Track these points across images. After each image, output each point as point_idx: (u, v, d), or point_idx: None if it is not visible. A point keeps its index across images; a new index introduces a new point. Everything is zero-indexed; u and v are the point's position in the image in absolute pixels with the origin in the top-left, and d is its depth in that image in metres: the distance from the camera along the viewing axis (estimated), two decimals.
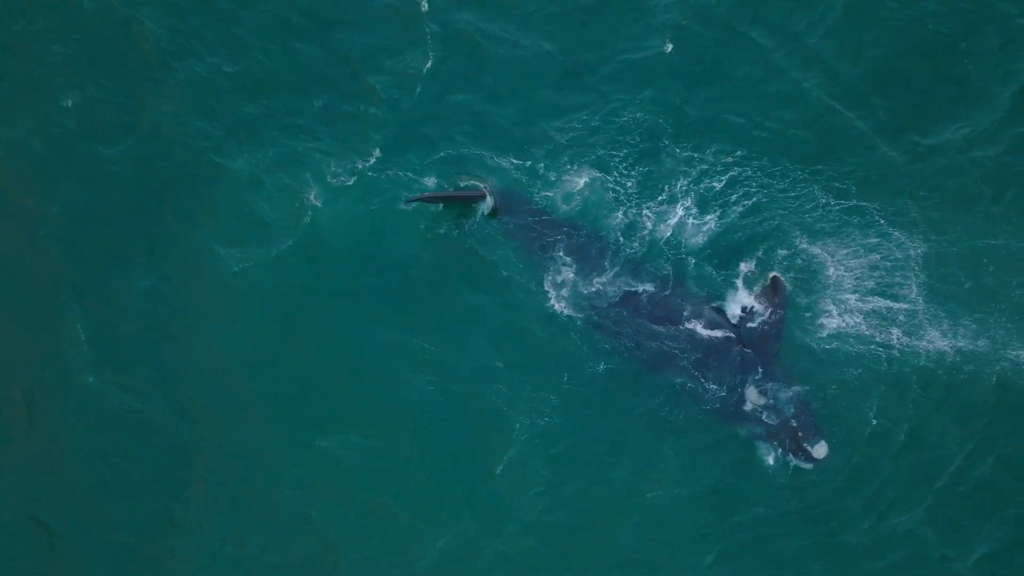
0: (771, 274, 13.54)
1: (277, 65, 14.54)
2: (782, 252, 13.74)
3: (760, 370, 13.24)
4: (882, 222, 13.82)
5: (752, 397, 13.21)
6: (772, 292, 13.42)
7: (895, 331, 13.40)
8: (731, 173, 14.02)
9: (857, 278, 13.57)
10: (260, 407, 13.49)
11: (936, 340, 13.34)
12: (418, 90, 14.46)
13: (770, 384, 13.18)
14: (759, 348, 13.31)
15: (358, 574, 13.02)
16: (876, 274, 13.59)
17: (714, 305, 13.58)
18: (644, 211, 13.87)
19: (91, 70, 14.35)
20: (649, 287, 13.56)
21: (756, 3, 14.84)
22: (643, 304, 13.47)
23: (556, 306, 13.63)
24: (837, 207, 13.89)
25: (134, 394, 13.41)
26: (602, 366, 13.49)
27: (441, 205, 14.01)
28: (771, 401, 13.13)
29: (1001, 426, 13.19)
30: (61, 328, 13.59)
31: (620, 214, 13.86)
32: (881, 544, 12.92)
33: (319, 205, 13.99)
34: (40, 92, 14.26)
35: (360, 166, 14.12)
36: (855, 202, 13.91)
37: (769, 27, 14.73)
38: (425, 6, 14.75)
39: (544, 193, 14.00)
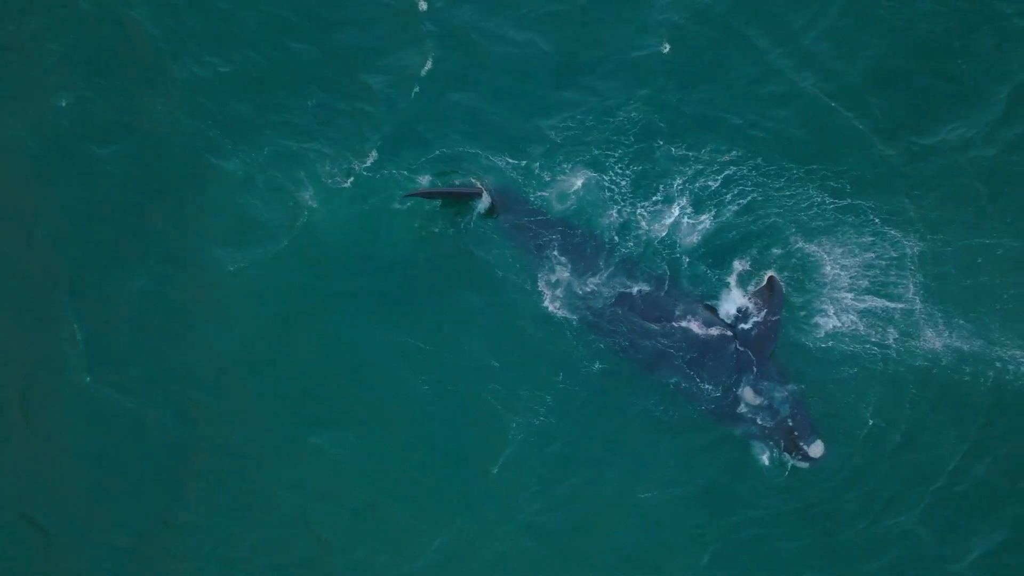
0: (767, 273, 13.51)
1: (273, 64, 14.53)
2: (777, 251, 13.71)
3: (756, 369, 13.21)
4: (877, 221, 13.79)
5: (748, 396, 13.18)
6: (768, 291, 13.38)
7: (891, 330, 13.37)
8: (727, 172, 14.00)
9: (853, 277, 13.54)
10: (256, 407, 13.48)
11: (932, 339, 13.31)
12: (415, 90, 14.45)
13: (766, 383, 13.16)
14: (755, 347, 13.28)
15: (354, 574, 13.01)
16: (872, 273, 13.57)
17: (709, 304, 13.56)
18: (639, 210, 13.84)
19: (86, 69, 14.34)
20: (644, 286, 13.54)
21: (753, 3, 14.81)
22: (638, 303, 13.45)
23: (551, 306, 13.61)
24: (832, 206, 13.86)
25: (130, 394, 13.41)
26: (597, 365, 13.47)
27: (438, 202, 14.01)
28: (767, 400, 13.11)
29: (998, 426, 13.16)
30: (57, 328, 13.58)
31: (615, 213, 13.84)
32: (877, 544, 12.90)
33: (315, 205, 13.98)
34: (35, 91, 14.26)
35: (356, 166, 14.12)
36: (850, 201, 13.88)
37: (765, 27, 14.71)
38: (423, 5, 14.74)
39: (540, 192, 13.98)
